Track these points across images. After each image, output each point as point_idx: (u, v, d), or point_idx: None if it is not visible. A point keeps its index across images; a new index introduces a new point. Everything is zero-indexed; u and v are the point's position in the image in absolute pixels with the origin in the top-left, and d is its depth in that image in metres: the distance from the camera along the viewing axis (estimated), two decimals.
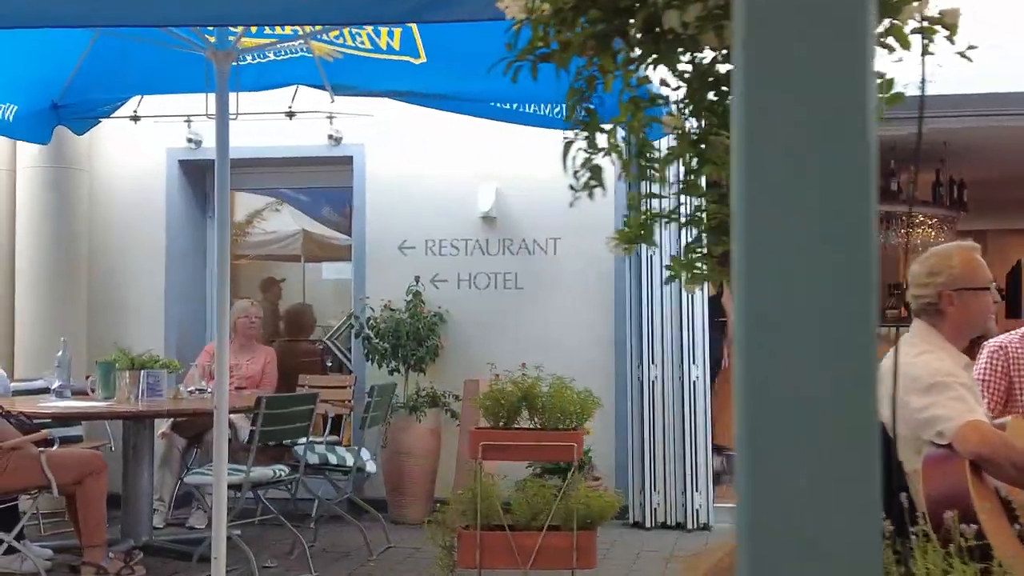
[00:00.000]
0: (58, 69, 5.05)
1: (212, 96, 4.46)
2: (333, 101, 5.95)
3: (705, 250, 2.09)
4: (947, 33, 1.83)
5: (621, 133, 2.05)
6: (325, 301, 9.09)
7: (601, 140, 2.09)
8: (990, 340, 4.20)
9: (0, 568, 5.20)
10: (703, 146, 2.00)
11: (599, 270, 6.87)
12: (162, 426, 6.54)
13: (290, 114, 6.62)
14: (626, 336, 6.66)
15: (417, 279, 7.07)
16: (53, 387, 5.99)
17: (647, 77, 1.98)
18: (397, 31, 5.97)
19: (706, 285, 6.43)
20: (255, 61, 5.57)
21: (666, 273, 2.17)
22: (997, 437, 2.85)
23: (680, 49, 1.76)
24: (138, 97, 6.48)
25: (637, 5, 1.74)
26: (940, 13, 1.84)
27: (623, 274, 6.71)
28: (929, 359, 3.02)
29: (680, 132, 2.00)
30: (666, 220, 2.11)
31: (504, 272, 7.08)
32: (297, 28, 4.97)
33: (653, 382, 6.55)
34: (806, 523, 0.96)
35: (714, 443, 6.72)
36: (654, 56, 1.80)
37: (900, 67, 1.81)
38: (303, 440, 5.51)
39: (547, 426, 4.28)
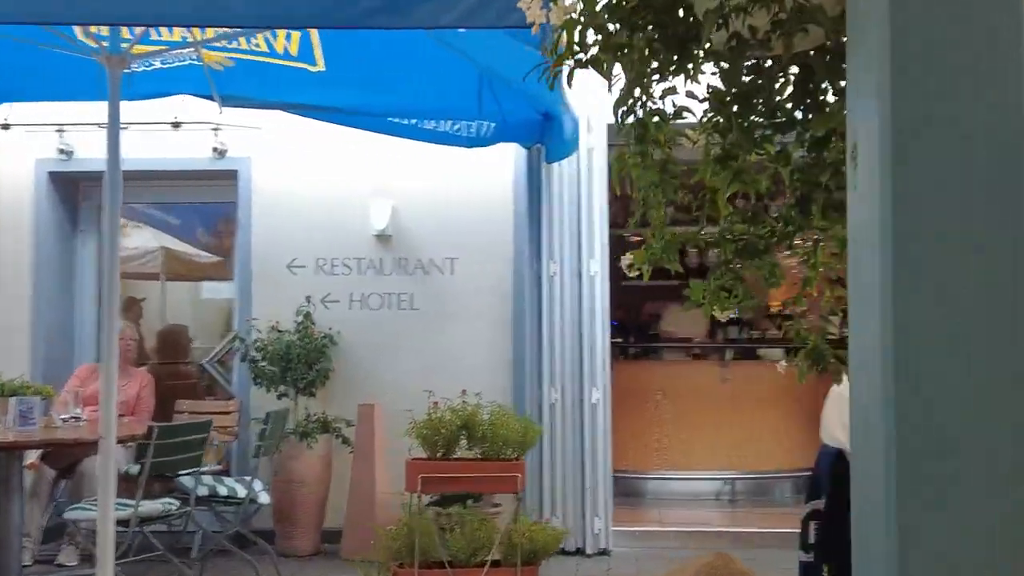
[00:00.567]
0: None
1: (92, 105, 4.15)
2: (221, 112, 5.64)
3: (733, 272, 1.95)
4: None
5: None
6: (202, 322, 8.67)
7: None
8: None
9: None
10: (731, 162, 1.88)
11: (498, 291, 6.73)
12: (31, 456, 6.06)
13: (176, 124, 6.28)
14: (525, 358, 6.53)
15: (308, 299, 6.79)
16: None
17: (673, 88, 1.85)
18: (296, 35, 5.71)
19: (599, 309, 6.37)
20: (142, 69, 5.23)
21: (686, 302, 2.03)
22: None
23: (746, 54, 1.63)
24: (8, 105, 6.04)
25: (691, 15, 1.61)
26: None
27: (523, 295, 6.59)
28: None
29: (705, 149, 1.88)
30: (691, 244, 1.97)
31: (399, 292, 6.86)
32: (187, 35, 4.69)
33: (553, 405, 6.43)
34: None
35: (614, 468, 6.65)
36: (721, 64, 1.65)
37: None
38: (188, 471, 5.18)
39: (488, 456, 4.10)
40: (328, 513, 6.50)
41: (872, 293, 1.23)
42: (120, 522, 4.65)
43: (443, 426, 4.13)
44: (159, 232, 8.49)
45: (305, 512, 6.43)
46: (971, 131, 1.09)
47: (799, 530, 7.31)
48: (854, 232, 1.28)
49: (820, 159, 1.84)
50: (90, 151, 6.60)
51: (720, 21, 1.56)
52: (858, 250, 1.30)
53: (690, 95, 1.89)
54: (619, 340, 7.27)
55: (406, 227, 6.88)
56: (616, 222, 6.68)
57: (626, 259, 2.05)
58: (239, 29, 4.27)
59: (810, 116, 1.88)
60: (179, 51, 5.00)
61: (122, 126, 4.17)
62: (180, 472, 5.31)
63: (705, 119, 1.92)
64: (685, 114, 1.91)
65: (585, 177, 6.51)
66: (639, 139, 1.87)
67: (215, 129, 6.73)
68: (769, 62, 1.88)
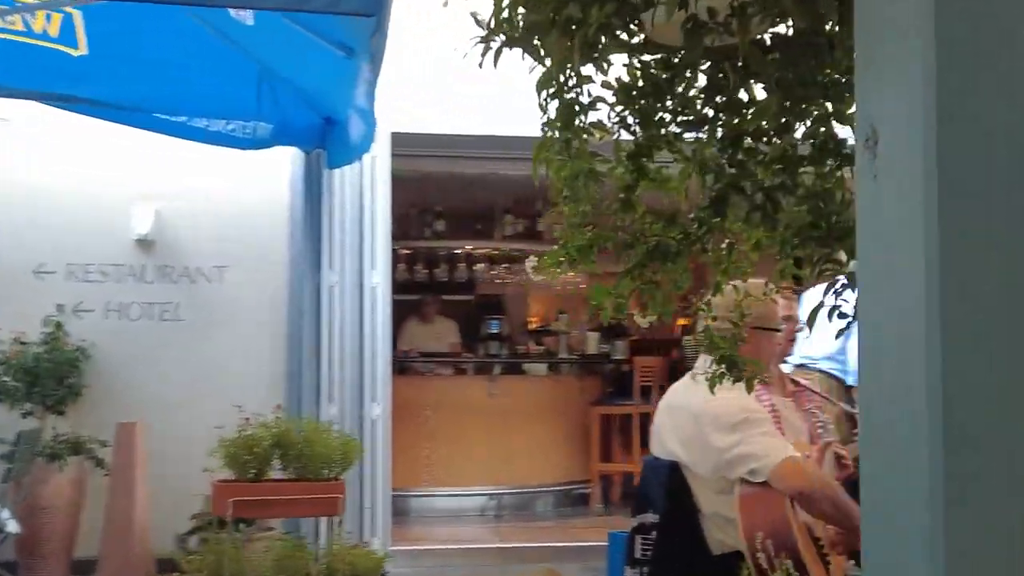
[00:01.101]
0: None
1: None
2: None
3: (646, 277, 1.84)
4: None
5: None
6: None
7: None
8: None
9: None
10: (642, 159, 1.78)
11: (273, 302, 6.39)
12: None
13: None
14: (302, 372, 6.22)
15: (59, 308, 6.18)
16: None
17: (589, 77, 1.73)
18: (57, 15, 5.21)
19: (381, 321, 6.18)
20: None
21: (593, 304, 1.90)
22: (816, 474, 2.86)
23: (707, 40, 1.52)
24: None
25: None
26: None
27: (299, 306, 6.28)
28: (730, 396, 2.98)
29: (617, 146, 1.77)
30: (607, 243, 1.84)
31: (162, 302, 6.38)
32: None
33: (330, 421, 6.16)
34: None
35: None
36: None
37: None
38: None
39: (305, 476, 3.80)
40: (80, 542, 5.92)
41: (899, 289, 1.15)
42: None
43: (255, 444, 3.81)
44: None
45: (52, 541, 5.83)
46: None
47: (572, 543, 7.40)
48: (868, 223, 1.20)
49: (735, 159, 1.78)
50: None
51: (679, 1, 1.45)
52: (871, 242, 1.22)
53: (606, 85, 1.78)
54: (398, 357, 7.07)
55: (171, 232, 6.41)
56: (398, 235, 6.51)
57: (531, 262, 1.90)
58: None
59: (721, 114, 1.82)
60: None
61: None
62: None
63: (614, 114, 1.81)
64: (600, 105, 1.79)
65: (368, 186, 6.31)
66: (565, 125, 1.73)
67: None
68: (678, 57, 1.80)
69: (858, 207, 1.24)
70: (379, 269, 6.30)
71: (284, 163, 6.36)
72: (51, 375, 5.94)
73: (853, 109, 1.60)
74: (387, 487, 6.26)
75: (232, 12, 4.63)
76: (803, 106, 1.59)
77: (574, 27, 1.66)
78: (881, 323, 1.22)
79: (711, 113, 1.84)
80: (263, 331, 6.38)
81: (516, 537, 7.77)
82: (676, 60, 1.81)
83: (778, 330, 3.17)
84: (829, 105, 1.58)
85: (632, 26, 1.78)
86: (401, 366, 8.64)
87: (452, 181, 8.92)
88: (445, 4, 1.80)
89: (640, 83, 1.82)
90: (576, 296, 11.15)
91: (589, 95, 1.79)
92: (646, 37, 1.79)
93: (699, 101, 1.83)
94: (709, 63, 1.80)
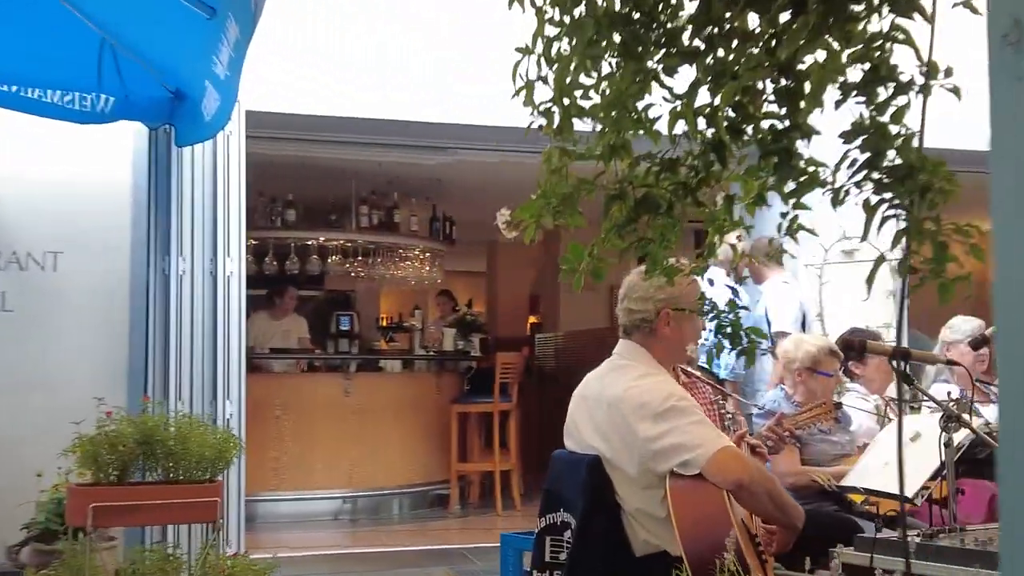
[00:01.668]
0: None
1: None
2: None
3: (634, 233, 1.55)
4: None
5: None
6: None
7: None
8: None
9: None
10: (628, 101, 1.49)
11: (113, 291, 5.82)
12: None
13: None
14: (146, 368, 5.69)
15: None
16: None
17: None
18: None
19: (235, 313, 5.72)
20: None
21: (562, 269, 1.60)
22: (755, 465, 2.64)
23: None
24: None
25: None
26: None
27: (143, 296, 5.75)
28: (654, 382, 2.75)
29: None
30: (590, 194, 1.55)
31: None
32: None
33: (152, 409, 5.64)
34: None
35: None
36: None
37: None
38: None
39: (176, 478, 3.33)
40: None
41: None
42: None
43: (119, 441, 3.33)
44: None
45: None
46: None
47: (433, 547, 7.10)
48: (1006, 137, 0.94)
49: (730, 99, 1.52)
50: None
51: None
52: (1011, 161, 0.97)
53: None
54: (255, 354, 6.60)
55: None
56: (246, 224, 6.05)
57: (503, 214, 1.60)
58: None
59: (717, 47, 1.55)
60: None
61: None
62: None
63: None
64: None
65: (223, 166, 5.83)
66: (547, 57, 1.44)
67: None
68: None
69: (992, 119, 0.99)
70: (233, 256, 5.83)
71: (127, 139, 5.82)
72: None
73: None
74: (242, 492, 5.80)
75: None
76: (848, 27, 1.34)
77: None
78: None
79: (702, 46, 1.58)
80: (101, 322, 5.81)
81: (375, 541, 7.42)
82: None
83: (702, 313, 2.95)
84: (884, 24, 1.33)
85: None
86: (249, 363, 8.14)
87: (306, 168, 8.47)
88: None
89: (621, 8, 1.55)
90: (431, 291, 10.86)
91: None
92: None
93: (688, 32, 1.57)
94: None
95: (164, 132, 5.78)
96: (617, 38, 1.53)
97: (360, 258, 9.34)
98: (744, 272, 6.05)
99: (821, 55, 1.41)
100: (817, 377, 4.29)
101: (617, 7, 1.57)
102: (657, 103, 1.55)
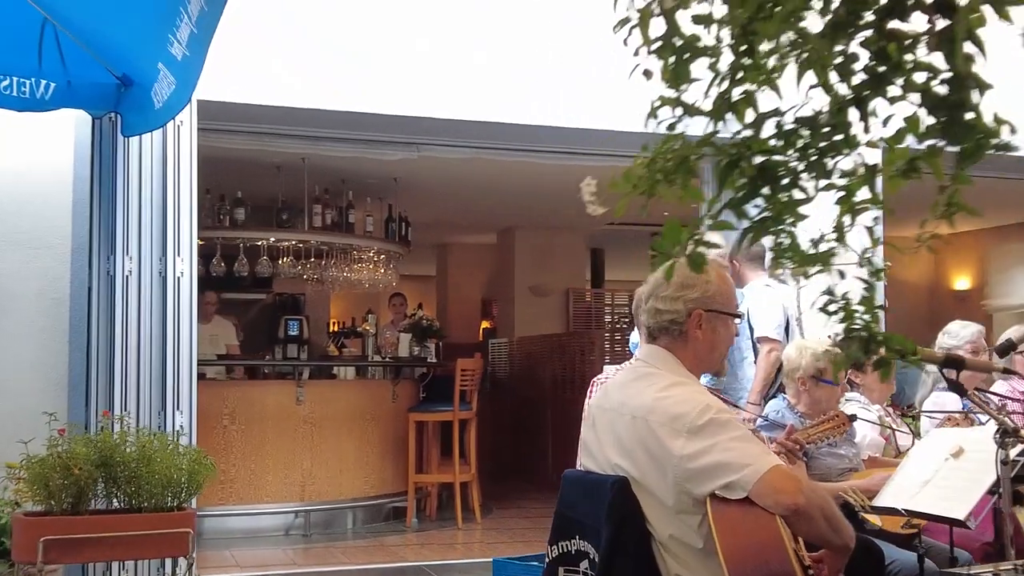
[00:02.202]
0: None
1: None
2: None
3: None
4: None
5: None
6: None
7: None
8: (598, 376, 3.79)
9: None
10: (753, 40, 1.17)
11: (51, 293, 5.37)
12: None
13: None
14: (89, 377, 5.26)
15: None
16: None
17: None
18: None
19: (186, 316, 5.31)
20: None
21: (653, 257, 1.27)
22: (809, 483, 2.34)
23: None
24: None
25: None
26: None
27: (85, 298, 5.31)
28: (686, 392, 2.43)
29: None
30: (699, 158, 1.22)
31: None
32: None
33: (111, 426, 5.21)
34: None
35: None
36: None
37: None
38: None
39: (140, 506, 2.91)
40: None
41: None
42: None
43: (74, 464, 2.91)
44: None
45: None
46: None
47: (392, 564, 6.74)
48: None
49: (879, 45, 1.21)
50: None
51: None
52: None
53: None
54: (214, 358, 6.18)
55: None
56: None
57: (588, 184, 1.27)
58: None
59: None
60: None
61: None
62: None
63: None
64: None
65: (173, 158, 5.42)
66: None
67: None
68: None
69: None
70: (184, 256, 5.42)
71: (68, 128, 5.39)
72: None
73: None
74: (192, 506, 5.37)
75: None
76: None
77: None
78: None
79: None
80: (38, 327, 5.36)
81: (329, 558, 7.03)
82: None
83: (739, 315, 2.64)
84: None
85: None
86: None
87: (256, 165, 8.06)
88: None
89: None
90: (384, 294, 10.47)
91: None
92: None
93: None
94: None
95: (109, 121, 5.37)
96: None
97: (313, 259, 8.93)
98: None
99: None
100: (821, 386, 4.03)
101: None
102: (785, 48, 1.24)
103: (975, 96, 1.18)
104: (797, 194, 1.24)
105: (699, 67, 1.20)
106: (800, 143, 1.22)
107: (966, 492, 2.64)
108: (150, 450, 3.13)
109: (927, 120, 1.21)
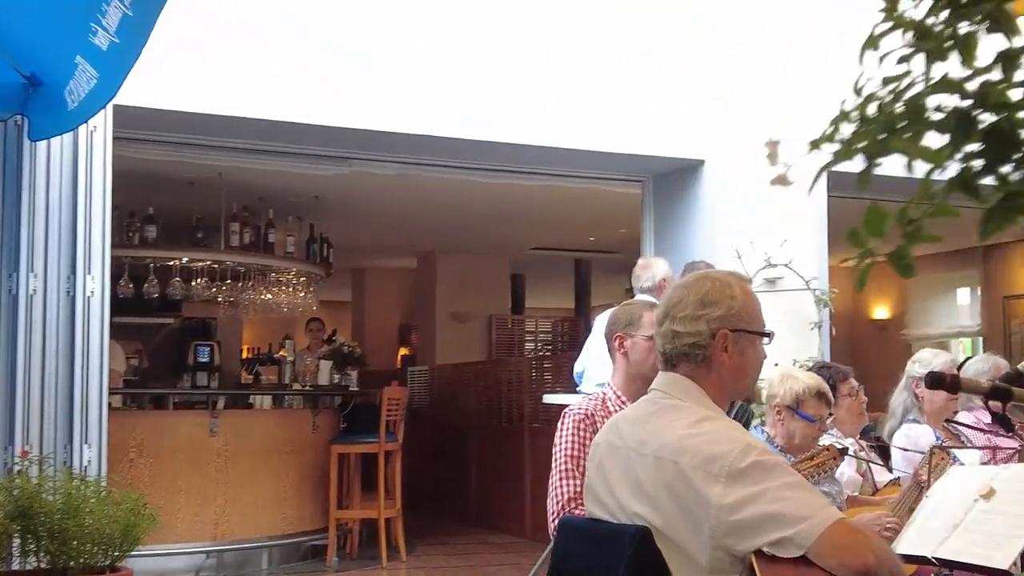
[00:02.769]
0: None
1: None
2: None
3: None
4: None
5: None
6: None
7: None
8: (571, 407, 3.44)
9: None
10: None
11: None
12: None
13: None
14: None
15: None
16: None
17: None
18: None
19: (97, 340, 4.83)
20: None
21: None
22: (877, 539, 2.03)
23: None
24: None
25: None
26: None
27: None
28: (719, 428, 2.10)
29: None
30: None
31: None
32: None
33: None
34: None
35: None
36: None
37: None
38: None
39: (65, 565, 2.44)
40: None
41: None
42: None
43: None
44: None
45: None
46: None
47: None
48: None
49: None
50: None
51: None
52: None
53: None
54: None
55: None
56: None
57: (772, 143, 0.93)
58: None
59: None
60: None
61: None
62: None
63: None
64: None
65: (84, 166, 4.95)
66: None
67: None
68: None
69: None
70: (95, 274, 4.93)
71: None
72: None
73: None
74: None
75: None
76: None
77: None
78: None
79: None
80: None
81: None
82: None
83: (769, 334, 2.32)
84: None
85: None
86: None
87: (170, 180, 7.55)
88: None
89: None
90: (300, 319, 10.00)
91: None
92: None
93: None
94: None
95: (14, 124, 4.88)
96: None
97: (229, 281, 8.41)
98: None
99: None
100: (796, 419, 3.75)
101: None
102: None
103: None
104: None
105: None
106: None
107: (1007, 539, 2.38)
108: (77, 499, 2.67)
109: None
